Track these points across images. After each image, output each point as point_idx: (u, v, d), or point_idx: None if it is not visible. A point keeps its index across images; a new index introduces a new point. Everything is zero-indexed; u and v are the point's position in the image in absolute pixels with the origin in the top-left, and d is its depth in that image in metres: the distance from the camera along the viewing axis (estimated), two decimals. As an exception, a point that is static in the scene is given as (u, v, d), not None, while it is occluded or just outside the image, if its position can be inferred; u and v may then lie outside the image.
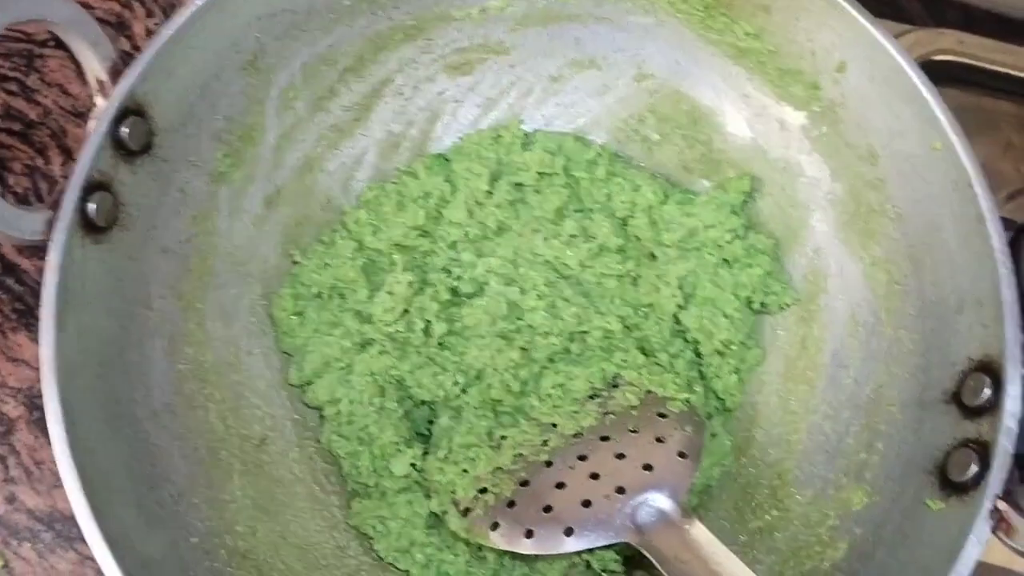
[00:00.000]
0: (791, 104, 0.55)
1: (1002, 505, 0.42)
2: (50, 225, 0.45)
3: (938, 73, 0.64)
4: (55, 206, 0.45)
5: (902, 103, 0.49)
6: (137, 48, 0.69)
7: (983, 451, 0.43)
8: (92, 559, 0.58)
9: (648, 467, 0.50)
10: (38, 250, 0.64)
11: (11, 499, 0.59)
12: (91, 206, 0.46)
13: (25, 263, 0.64)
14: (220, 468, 0.51)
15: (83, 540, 0.58)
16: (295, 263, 0.58)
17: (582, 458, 0.51)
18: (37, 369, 0.61)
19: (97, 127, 0.46)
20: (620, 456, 0.50)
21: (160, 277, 0.51)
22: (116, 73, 0.48)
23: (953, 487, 0.44)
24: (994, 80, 0.66)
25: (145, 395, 0.49)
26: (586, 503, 0.49)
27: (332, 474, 0.55)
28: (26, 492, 0.59)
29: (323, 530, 0.53)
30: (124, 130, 0.47)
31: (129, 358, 0.48)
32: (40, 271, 0.63)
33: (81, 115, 0.68)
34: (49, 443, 0.59)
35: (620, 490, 0.49)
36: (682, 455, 0.50)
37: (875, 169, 0.52)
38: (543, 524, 0.49)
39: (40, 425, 0.61)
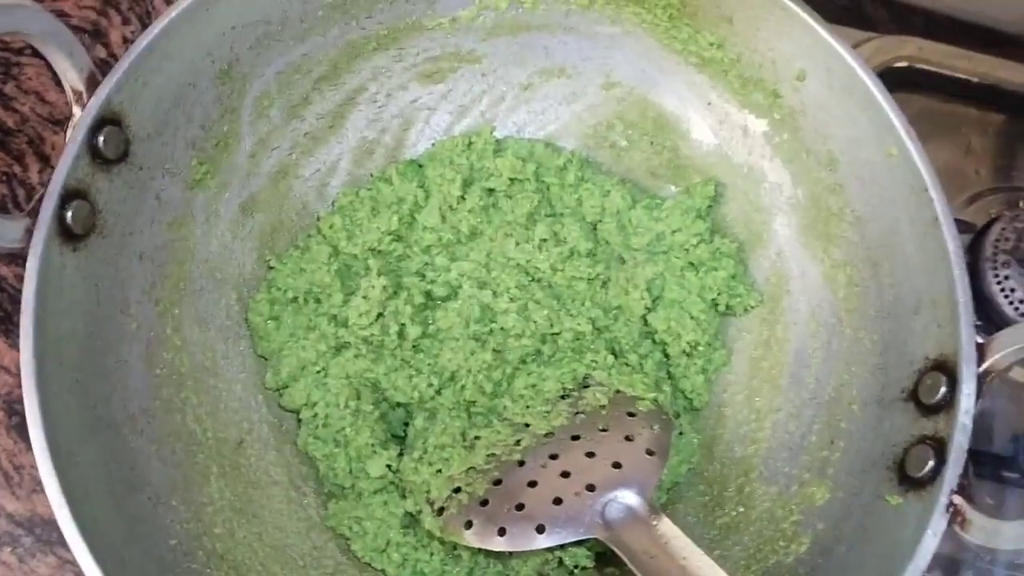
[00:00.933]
0: (753, 112, 0.56)
1: (957, 499, 0.43)
2: (29, 233, 0.45)
3: (900, 79, 0.66)
4: (34, 214, 0.46)
5: (859, 110, 0.50)
6: (114, 56, 0.69)
7: (939, 447, 0.45)
8: (72, 563, 0.59)
9: (617, 465, 0.51)
10: (16, 257, 0.65)
11: (-10, 504, 0.60)
12: (69, 214, 0.46)
13: (4, 270, 0.65)
14: (197, 471, 0.51)
15: (63, 544, 0.58)
16: (270, 268, 0.58)
17: (553, 457, 0.52)
18: (15, 374, 0.62)
19: (73, 136, 0.47)
20: (590, 454, 0.51)
21: (137, 283, 0.51)
22: (93, 83, 0.48)
23: (911, 482, 0.45)
24: (954, 86, 0.68)
25: (123, 399, 0.49)
26: (557, 501, 0.50)
27: (309, 476, 0.56)
28: (5, 497, 0.60)
29: (300, 531, 0.54)
30: (100, 139, 0.47)
31: (107, 363, 0.49)
32: (19, 278, 0.64)
33: (58, 123, 0.68)
34: (28, 448, 0.60)
35: (590, 487, 0.50)
36: (650, 453, 0.51)
37: (835, 175, 0.53)
38: (515, 522, 0.49)
39: (19, 430, 0.61)
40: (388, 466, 0.54)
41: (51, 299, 0.45)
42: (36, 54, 0.70)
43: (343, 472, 0.54)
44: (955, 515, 0.43)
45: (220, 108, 0.54)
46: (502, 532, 0.50)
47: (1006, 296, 0.59)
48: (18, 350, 0.62)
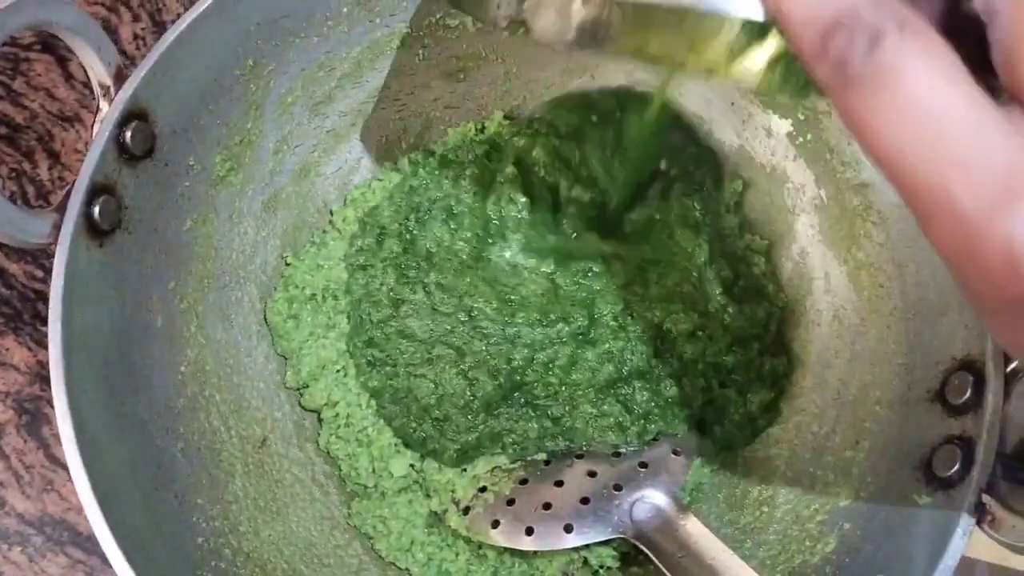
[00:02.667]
0: (777, 112, 0.56)
1: (986, 498, 0.43)
2: (56, 229, 0.45)
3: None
4: (60, 209, 0.45)
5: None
6: (124, 52, 0.69)
7: (967, 447, 0.44)
8: (83, 562, 0.58)
9: (643, 464, 0.51)
10: (25, 253, 0.64)
11: (0, 503, 0.59)
12: (96, 209, 0.46)
13: (13, 267, 0.64)
14: (222, 469, 0.51)
15: (73, 544, 0.58)
16: (287, 265, 0.58)
17: (579, 456, 0.52)
18: (25, 372, 0.62)
19: (101, 131, 0.46)
20: (616, 454, 0.52)
21: (161, 280, 0.51)
22: (120, 77, 0.48)
23: (939, 482, 0.45)
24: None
25: (148, 397, 0.49)
26: (584, 500, 0.50)
27: (331, 475, 0.56)
28: (16, 496, 0.59)
29: (324, 530, 0.53)
30: (128, 134, 0.47)
31: (132, 361, 0.48)
32: (28, 275, 0.64)
33: (68, 119, 0.67)
34: (39, 447, 0.60)
35: (617, 487, 0.50)
36: (676, 453, 0.51)
37: (859, 174, 0.53)
38: (543, 521, 0.50)
39: (29, 429, 0.61)
40: (411, 465, 0.54)
41: (78, 295, 0.45)
42: (45, 50, 0.70)
43: (366, 472, 0.54)
44: (984, 514, 0.44)
45: (245, 104, 0.53)
46: (530, 531, 0.50)
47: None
48: (28, 348, 0.62)
